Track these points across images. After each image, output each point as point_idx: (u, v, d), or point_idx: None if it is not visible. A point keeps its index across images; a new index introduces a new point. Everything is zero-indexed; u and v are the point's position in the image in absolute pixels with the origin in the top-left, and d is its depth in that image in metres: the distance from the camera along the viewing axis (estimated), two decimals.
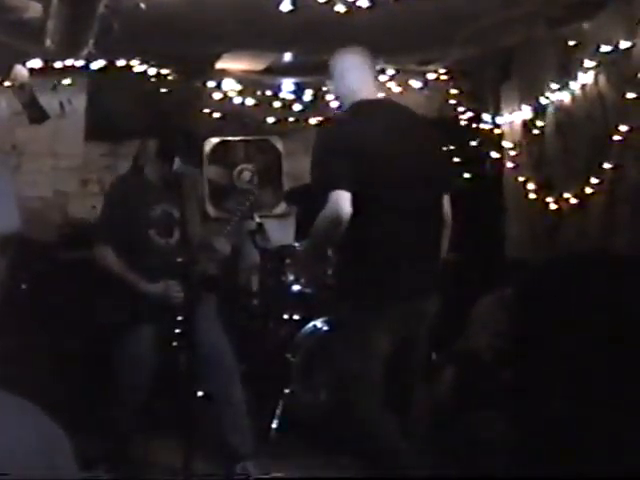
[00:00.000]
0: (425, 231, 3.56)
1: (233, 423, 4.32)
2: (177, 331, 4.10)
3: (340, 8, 4.07)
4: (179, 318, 4.08)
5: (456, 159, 5.67)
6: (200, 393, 4.49)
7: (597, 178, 4.78)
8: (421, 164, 3.57)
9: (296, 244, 5.72)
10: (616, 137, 4.55)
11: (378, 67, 5.51)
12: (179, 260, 4.06)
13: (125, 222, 4.22)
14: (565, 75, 5.12)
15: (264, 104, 6.16)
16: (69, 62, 5.01)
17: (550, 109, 5.37)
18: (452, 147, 5.54)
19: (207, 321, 4.34)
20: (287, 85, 6.11)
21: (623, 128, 4.51)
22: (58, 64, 5.04)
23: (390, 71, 6.01)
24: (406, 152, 3.54)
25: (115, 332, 4.27)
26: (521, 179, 5.67)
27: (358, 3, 4.03)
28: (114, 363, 4.27)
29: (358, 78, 3.65)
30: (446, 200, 3.67)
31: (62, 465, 1.17)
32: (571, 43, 4.96)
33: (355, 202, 3.35)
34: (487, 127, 6.14)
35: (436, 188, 3.64)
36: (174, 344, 4.12)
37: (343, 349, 3.62)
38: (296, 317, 5.42)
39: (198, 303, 4.28)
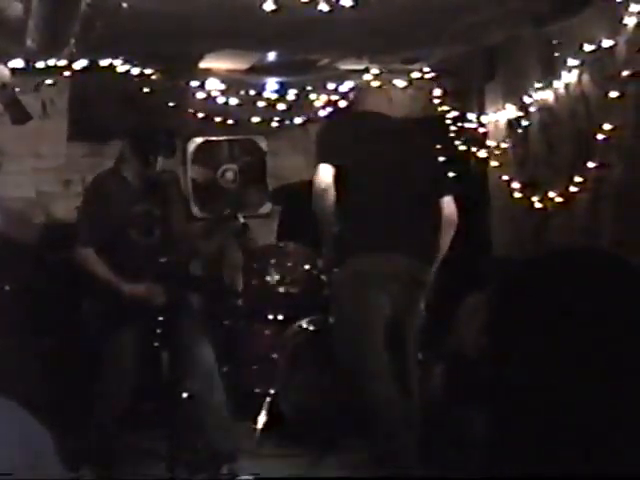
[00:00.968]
0: (417, 222, 3.97)
1: (215, 424, 4.30)
2: (158, 331, 4.08)
3: (324, 7, 4.05)
4: (160, 319, 4.07)
5: (441, 158, 5.66)
6: (184, 394, 4.47)
7: (581, 177, 4.79)
8: (413, 166, 4.05)
9: (280, 244, 5.72)
10: (600, 136, 4.56)
11: (362, 66, 5.55)
12: (162, 260, 4.04)
13: (105, 222, 4.18)
14: (549, 74, 5.13)
15: (248, 103, 6.14)
16: (51, 62, 4.98)
17: (534, 108, 5.38)
18: (437, 146, 5.54)
19: (188, 321, 4.32)
20: (271, 84, 6.10)
21: (607, 127, 4.52)
22: (40, 64, 5.01)
23: (374, 70, 6.00)
24: (399, 152, 4.05)
25: (97, 333, 4.24)
26: (505, 178, 5.67)
27: (341, 2, 4.01)
28: (96, 364, 4.25)
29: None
30: (449, 201, 4.08)
31: (46, 466, 1.17)
32: (555, 42, 4.97)
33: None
34: (471, 126, 6.14)
35: (430, 188, 4.05)
36: (155, 345, 4.10)
37: (344, 305, 3.95)
38: (281, 317, 5.41)
39: (180, 303, 4.27)
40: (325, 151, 4.01)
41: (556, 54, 5.01)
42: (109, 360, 4.20)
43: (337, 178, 3.89)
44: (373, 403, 3.80)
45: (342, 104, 5.90)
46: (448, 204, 4.09)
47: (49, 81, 5.51)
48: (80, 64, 5.11)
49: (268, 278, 5.49)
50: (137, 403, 4.33)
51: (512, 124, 5.67)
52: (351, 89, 5.64)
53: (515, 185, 5.55)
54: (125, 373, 4.18)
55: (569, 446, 3.75)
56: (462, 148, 6.16)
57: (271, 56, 5.57)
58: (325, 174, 3.89)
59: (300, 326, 5.17)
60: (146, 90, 5.74)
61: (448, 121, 6.23)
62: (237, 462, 4.32)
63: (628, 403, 3.64)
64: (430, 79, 6.18)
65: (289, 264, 5.50)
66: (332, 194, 3.89)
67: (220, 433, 4.30)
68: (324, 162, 3.92)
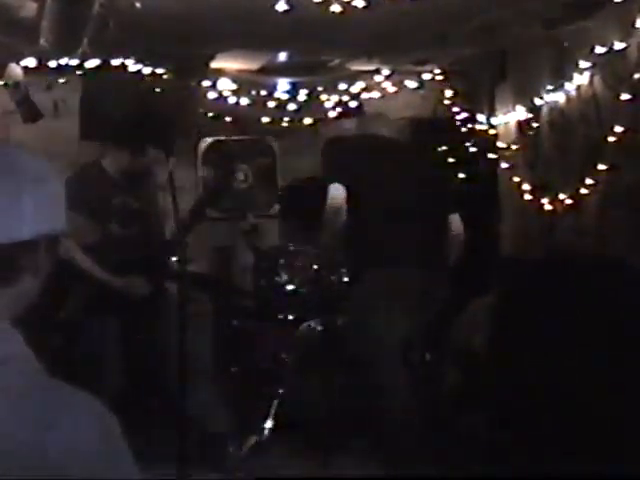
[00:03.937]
0: (428, 237, 3.98)
1: (218, 423, 4.31)
2: (141, 325, 4.10)
3: (336, 8, 4.06)
4: (143, 312, 4.08)
5: (451, 159, 5.68)
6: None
7: (592, 179, 4.79)
8: (424, 182, 4.05)
9: (290, 244, 5.72)
10: (611, 138, 4.56)
11: (373, 67, 5.55)
12: (146, 255, 4.06)
13: (85, 213, 4.18)
14: (560, 76, 5.12)
15: (259, 104, 6.15)
16: (63, 61, 5.00)
17: (545, 110, 5.38)
18: (447, 147, 5.55)
19: (177, 315, 4.32)
20: (282, 85, 6.11)
21: (618, 129, 4.51)
22: (52, 63, 5.03)
23: (385, 71, 6.01)
24: (409, 168, 4.09)
25: (84, 326, 4.23)
26: (516, 180, 5.67)
27: (354, 3, 4.02)
28: (78, 358, 4.24)
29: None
30: (456, 219, 4.11)
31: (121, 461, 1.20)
32: (566, 44, 4.96)
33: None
34: (482, 128, 6.14)
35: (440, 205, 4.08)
36: (138, 338, 4.11)
37: (359, 321, 3.96)
38: (290, 317, 5.41)
39: (163, 298, 4.27)
40: (336, 170, 4.02)
41: (567, 56, 5.00)
42: (92, 353, 4.19)
43: (349, 197, 3.89)
44: (385, 410, 3.80)
45: (353, 104, 5.91)
46: (455, 221, 4.13)
47: (61, 80, 5.53)
48: (92, 63, 5.12)
49: (277, 278, 5.50)
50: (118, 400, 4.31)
51: (522, 126, 5.67)
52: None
53: (525, 187, 5.55)
54: (107, 367, 4.17)
55: (573, 446, 3.76)
56: (472, 150, 6.17)
57: (282, 56, 5.58)
58: (338, 195, 3.90)
59: (309, 326, 5.18)
60: (158, 90, 5.75)
61: (458, 122, 6.23)
62: (246, 463, 4.33)
63: (632, 403, 3.65)
64: (441, 80, 6.19)
65: (298, 264, 5.50)
66: (344, 214, 3.90)
67: (225, 433, 4.31)
68: (336, 181, 3.92)
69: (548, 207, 5.27)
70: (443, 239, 4.06)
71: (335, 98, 6.24)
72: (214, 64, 5.70)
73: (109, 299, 4.13)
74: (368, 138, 4.21)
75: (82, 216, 4.15)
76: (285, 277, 5.47)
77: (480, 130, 6.15)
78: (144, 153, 4.24)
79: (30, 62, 4.95)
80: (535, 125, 5.50)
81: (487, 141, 6.08)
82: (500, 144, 6.00)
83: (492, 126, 6.07)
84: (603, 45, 4.56)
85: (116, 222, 4.23)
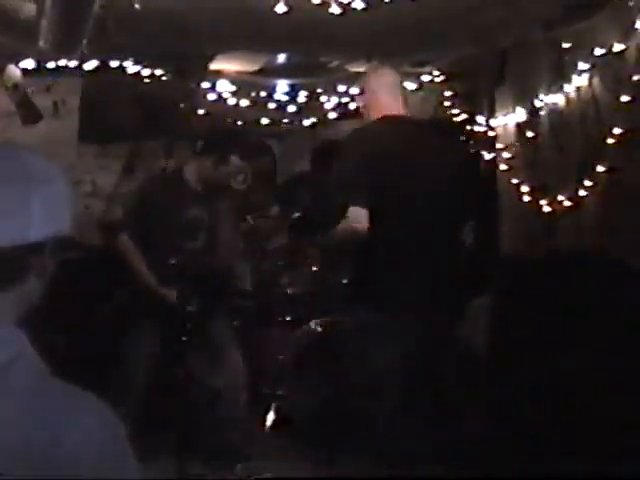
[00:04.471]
0: (440, 253, 3.70)
1: (236, 423, 4.33)
2: (184, 332, 4.08)
3: (335, 10, 4.06)
4: (188, 325, 4.07)
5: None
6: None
7: (591, 180, 4.79)
8: (442, 186, 3.69)
9: (290, 245, 5.73)
10: (610, 140, 4.56)
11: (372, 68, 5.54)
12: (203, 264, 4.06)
13: (155, 222, 4.17)
14: (559, 77, 5.12)
15: (258, 105, 6.15)
16: (63, 62, 5.00)
17: (544, 111, 5.38)
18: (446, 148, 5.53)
19: (217, 324, 4.35)
20: (282, 86, 6.11)
21: (617, 131, 4.51)
22: (51, 64, 5.02)
23: None
24: (427, 171, 3.68)
25: (122, 327, 4.24)
26: (515, 181, 5.67)
27: (353, 5, 4.02)
28: (117, 358, 4.25)
29: (389, 96, 3.84)
30: (469, 228, 3.86)
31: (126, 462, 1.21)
32: (565, 45, 4.96)
33: (372, 216, 3.50)
34: (481, 129, 6.14)
35: (456, 213, 3.76)
36: (181, 344, 4.10)
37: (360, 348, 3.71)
38: (290, 318, 5.42)
39: (212, 308, 4.27)
40: (360, 191, 3.57)
41: (567, 58, 5.00)
42: (130, 356, 4.21)
43: (370, 221, 3.53)
44: (379, 411, 3.76)
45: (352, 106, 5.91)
46: (468, 230, 3.89)
47: (60, 81, 5.53)
48: (91, 65, 5.12)
49: (277, 279, 5.51)
50: (154, 402, 4.32)
51: (522, 127, 5.67)
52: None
53: (524, 188, 5.55)
54: (144, 370, 4.18)
55: (574, 446, 3.76)
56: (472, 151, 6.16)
57: (282, 58, 5.58)
58: (362, 219, 3.52)
59: (309, 327, 5.18)
60: (157, 91, 5.76)
61: (458, 124, 6.23)
62: (252, 462, 4.35)
63: (633, 403, 3.65)
64: (440, 82, 6.18)
65: (298, 265, 5.51)
66: (365, 239, 3.55)
67: (239, 432, 4.33)
68: (359, 205, 3.53)
69: (547, 208, 5.27)
70: (454, 250, 3.83)
71: (334, 99, 6.24)
72: (213, 65, 5.70)
73: (147, 303, 4.13)
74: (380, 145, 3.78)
75: (153, 223, 4.15)
76: (285, 278, 5.48)
77: (479, 131, 6.15)
78: (227, 162, 4.25)
79: (29, 63, 4.95)
80: (535, 127, 5.50)
81: (486, 142, 6.08)
82: (499, 145, 6.00)
83: (491, 128, 6.07)
84: (602, 47, 4.56)
85: (184, 233, 4.22)
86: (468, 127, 6.23)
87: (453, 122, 6.12)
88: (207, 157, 4.28)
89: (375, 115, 3.81)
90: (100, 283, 4.45)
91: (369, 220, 3.50)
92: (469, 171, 4.15)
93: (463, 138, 5.83)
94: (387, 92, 3.84)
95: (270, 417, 5.08)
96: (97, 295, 4.55)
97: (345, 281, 4.71)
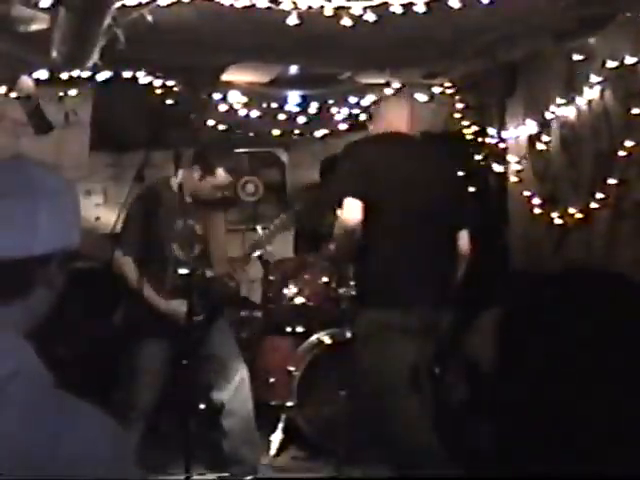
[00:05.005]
0: (438, 256, 3.82)
1: (242, 435, 4.31)
2: (189, 345, 4.08)
3: (347, 22, 4.06)
4: (194, 335, 4.06)
5: (460, 173, 5.66)
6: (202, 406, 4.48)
7: (602, 193, 4.78)
8: (437, 199, 3.83)
9: (298, 257, 5.72)
10: (621, 152, 4.55)
11: (383, 80, 5.56)
12: (207, 275, 4.06)
13: (149, 234, 4.18)
14: (571, 90, 5.12)
15: (269, 116, 6.17)
16: (75, 73, 5.02)
17: (555, 124, 5.37)
18: (457, 161, 5.53)
19: (221, 334, 4.34)
20: (293, 97, 6.12)
21: (628, 143, 4.50)
22: (64, 75, 5.05)
23: (396, 84, 6.01)
24: (423, 185, 3.82)
25: (127, 342, 4.24)
26: (526, 194, 5.66)
27: (365, 17, 4.02)
28: (124, 372, 4.25)
29: (397, 115, 4.03)
30: (464, 235, 3.95)
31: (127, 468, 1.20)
32: (577, 58, 4.96)
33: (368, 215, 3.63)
34: (492, 141, 6.13)
35: (450, 222, 3.89)
36: (184, 359, 4.09)
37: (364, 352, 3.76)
38: (298, 330, 5.41)
39: (214, 318, 4.27)
40: (353, 184, 3.71)
41: (578, 70, 5.00)
42: (135, 371, 4.19)
43: (365, 215, 3.64)
44: (392, 424, 3.76)
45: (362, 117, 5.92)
46: (463, 238, 3.97)
47: (72, 92, 5.55)
48: (104, 76, 5.14)
49: (285, 291, 5.50)
50: (161, 416, 4.32)
51: (533, 140, 5.66)
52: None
53: (535, 201, 5.54)
54: (150, 384, 4.17)
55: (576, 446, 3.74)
56: (482, 163, 6.16)
57: (293, 69, 5.59)
58: (353, 211, 3.64)
59: (317, 339, 5.17)
60: (169, 102, 5.78)
61: (469, 136, 6.23)
62: (258, 475, 4.34)
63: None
64: (451, 94, 6.18)
65: (307, 277, 5.50)
66: (359, 233, 3.65)
67: (246, 445, 4.32)
68: (352, 196, 3.65)
69: (558, 221, 5.26)
70: (452, 257, 3.94)
71: (345, 111, 6.25)
72: (225, 76, 5.72)
73: (153, 320, 4.13)
74: (386, 146, 3.96)
75: (143, 234, 4.15)
76: (294, 289, 5.47)
77: (490, 144, 6.14)
78: (214, 175, 4.26)
79: (42, 74, 4.97)
80: (545, 139, 5.50)
81: (497, 155, 6.08)
82: (510, 158, 5.99)
83: (502, 140, 6.07)
84: (614, 59, 4.55)
85: (178, 244, 4.22)
86: (479, 139, 6.23)
87: (455, 139, 6.11)
88: (195, 169, 4.28)
89: (378, 130, 3.99)
90: (109, 295, 4.44)
91: (363, 213, 3.61)
92: (461, 188, 4.28)
93: (461, 155, 5.83)
94: (394, 108, 4.03)
95: (279, 430, 5.07)
96: (105, 307, 4.55)
97: (353, 293, 4.72)
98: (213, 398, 4.33)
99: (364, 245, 3.69)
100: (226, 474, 4.42)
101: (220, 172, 4.28)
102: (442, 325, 3.81)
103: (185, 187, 4.22)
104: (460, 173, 4.44)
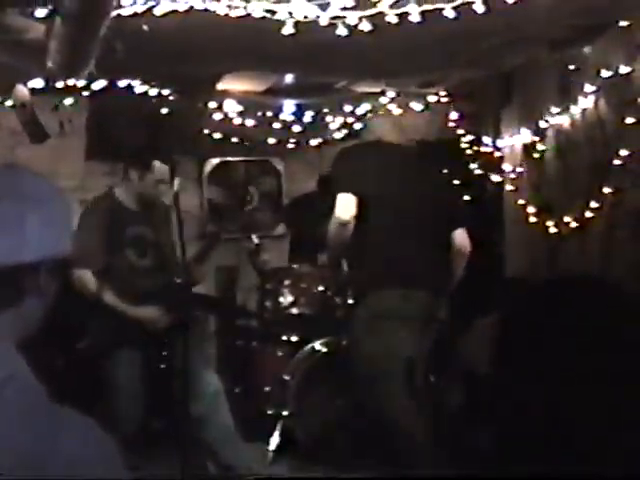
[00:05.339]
0: (433, 251, 3.91)
1: (223, 445, 4.28)
2: (163, 353, 4.07)
3: (342, 31, 4.07)
4: (164, 340, 4.05)
5: (456, 181, 5.66)
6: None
7: (597, 202, 4.79)
8: (428, 200, 3.93)
9: (294, 266, 5.71)
10: (616, 161, 4.56)
11: (378, 89, 5.57)
12: (169, 282, 4.04)
13: (101, 245, 4.15)
14: (565, 99, 5.13)
15: (265, 125, 6.17)
16: (70, 82, 5.02)
17: (550, 133, 5.38)
18: (452, 170, 5.54)
19: (192, 342, 4.30)
20: (288, 106, 6.13)
21: (623, 152, 4.51)
22: (59, 84, 5.05)
23: (391, 93, 6.02)
24: (414, 186, 3.95)
25: (102, 355, 4.20)
26: (521, 202, 5.67)
27: (360, 27, 4.03)
28: (101, 386, 4.21)
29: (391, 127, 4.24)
30: (461, 233, 4.01)
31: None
32: (572, 67, 4.98)
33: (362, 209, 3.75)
34: (487, 150, 6.15)
35: (442, 222, 3.97)
36: (160, 367, 4.08)
37: (361, 341, 3.84)
38: (294, 338, 5.40)
39: (183, 325, 4.24)
40: (346, 180, 3.84)
41: (573, 79, 5.02)
42: (111, 382, 4.17)
43: (359, 210, 3.75)
44: (389, 429, 3.77)
45: (358, 126, 5.92)
46: (461, 235, 4.03)
47: (68, 101, 5.56)
48: (99, 85, 5.15)
49: (282, 299, 5.49)
50: (143, 425, 4.29)
51: (528, 148, 5.67)
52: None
53: (530, 210, 5.55)
54: (130, 396, 4.14)
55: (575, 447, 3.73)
56: (477, 172, 6.17)
57: (288, 78, 5.60)
58: (347, 206, 3.75)
59: (313, 348, 5.16)
60: (164, 111, 5.78)
61: (464, 145, 6.24)
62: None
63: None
64: (446, 103, 6.20)
65: (303, 285, 5.49)
66: (352, 228, 3.75)
67: (230, 454, 4.29)
68: (345, 191, 3.77)
69: (553, 230, 5.26)
70: (447, 257, 4.00)
71: (341, 120, 6.26)
72: (220, 85, 5.72)
73: (126, 329, 4.10)
74: (378, 150, 4.09)
75: (97, 248, 4.12)
76: (290, 298, 5.46)
77: (485, 152, 6.16)
78: (151, 169, 4.20)
79: (37, 83, 4.97)
80: (540, 148, 5.51)
81: (492, 163, 6.09)
82: (505, 166, 6.00)
83: (498, 148, 6.08)
84: (609, 68, 4.57)
85: (132, 252, 4.20)
86: (474, 148, 6.24)
87: (450, 147, 6.15)
88: (132, 171, 4.25)
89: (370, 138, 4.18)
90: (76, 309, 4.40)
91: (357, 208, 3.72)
92: (453, 190, 4.44)
93: (454, 162, 5.86)
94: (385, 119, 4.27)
95: (275, 438, 5.06)
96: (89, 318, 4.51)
97: (351, 302, 4.71)
98: (188, 411, 4.30)
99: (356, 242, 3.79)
100: None
101: (157, 164, 4.18)
102: (438, 325, 3.87)
103: (128, 194, 4.22)
104: (450, 176, 4.53)
